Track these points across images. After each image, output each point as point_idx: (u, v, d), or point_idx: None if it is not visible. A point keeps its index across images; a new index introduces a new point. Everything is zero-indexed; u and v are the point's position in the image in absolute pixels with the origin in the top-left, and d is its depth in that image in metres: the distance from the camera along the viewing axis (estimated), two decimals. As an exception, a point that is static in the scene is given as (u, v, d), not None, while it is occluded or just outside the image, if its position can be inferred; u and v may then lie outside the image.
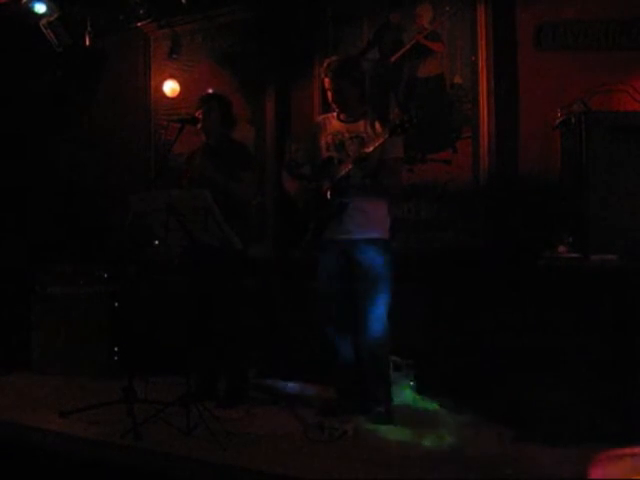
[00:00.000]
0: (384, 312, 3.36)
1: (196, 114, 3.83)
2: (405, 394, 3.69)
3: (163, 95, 5.13)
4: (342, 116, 3.49)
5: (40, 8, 4.70)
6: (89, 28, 4.94)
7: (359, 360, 3.49)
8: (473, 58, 4.06)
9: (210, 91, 3.95)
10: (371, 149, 3.16)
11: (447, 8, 4.14)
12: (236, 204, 3.67)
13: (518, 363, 3.25)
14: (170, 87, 5.07)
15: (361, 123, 3.42)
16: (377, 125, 3.38)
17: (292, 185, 3.57)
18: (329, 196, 3.29)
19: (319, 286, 3.57)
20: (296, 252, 3.71)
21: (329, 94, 3.46)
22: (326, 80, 3.43)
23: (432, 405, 3.60)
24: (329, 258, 3.47)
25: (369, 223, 3.38)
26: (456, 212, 4.08)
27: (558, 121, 3.44)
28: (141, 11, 4.98)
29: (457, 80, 4.13)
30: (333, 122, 3.52)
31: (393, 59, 4.32)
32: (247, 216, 3.85)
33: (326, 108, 4.53)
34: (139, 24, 5.11)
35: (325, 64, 3.45)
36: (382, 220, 3.44)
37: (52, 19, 4.74)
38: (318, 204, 3.36)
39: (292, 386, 4.06)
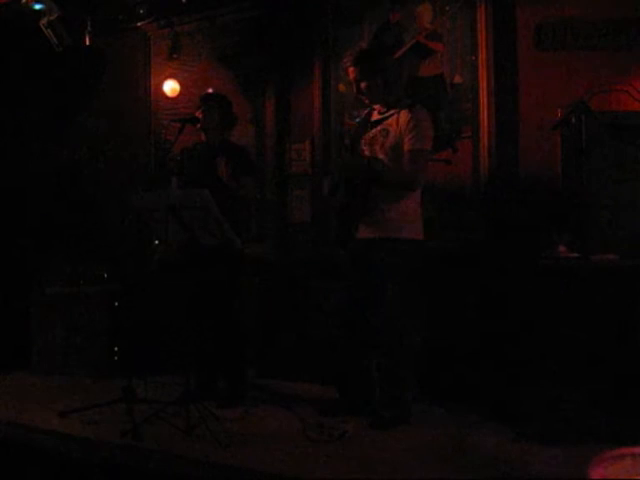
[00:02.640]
0: (406, 316, 3.29)
1: (196, 114, 3.83)
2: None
3: (163, 95, 5.13)
4: (380, 109, 3.43)
5: (38, 5, 4.69)
6: (89, 28, 4.94)
7: (369, 362, 3.47)
8: (473, 58, 4.06)
9: (210, 91, 3.95)
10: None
11: (447, 8, 4.14)
12: (236, 204, 3.68)
13: (518, 362, 3.25)
14: (170, 87, 5.07)
15: (393, 114, 3.33)
16: (403, 115, 3.28)
17: None
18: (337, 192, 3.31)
19: (340, 285, 3.53)
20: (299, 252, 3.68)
21: (354, 85, 3.40)
22: (349, 71, 3.39)
23: (432, 405, 3.59)
24: (351, 257, 3.43)
25: (394, 222, 3.29)
26: (456, 211, 4.08)
27: (558, 121, 3.45)
28: (141, 11, 4.98)
29: (457, 80, 4.13)
30: (374, 115, 3.47)
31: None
32: (247, 216, 3.85)
33: (326, 107, 4.56)
34: (139, 24, 5.11)
35: (347, 56, 3.41)
36: (409, 218, 3.33)
37: (52, 19, 4.74)
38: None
39: (292, 386, 4.06)
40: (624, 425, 2.79)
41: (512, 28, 3.96)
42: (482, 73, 4.02)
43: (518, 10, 3.95)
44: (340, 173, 3.41)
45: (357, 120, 3.56)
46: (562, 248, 3.22)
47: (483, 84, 4.02)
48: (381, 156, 3.30)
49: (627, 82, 3.50)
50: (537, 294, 3.21)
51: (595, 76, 3.60)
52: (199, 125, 3.82)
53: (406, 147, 3.25)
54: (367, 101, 3.45)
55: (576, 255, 3.14)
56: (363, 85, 3.35)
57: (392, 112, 3.33)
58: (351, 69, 3.37)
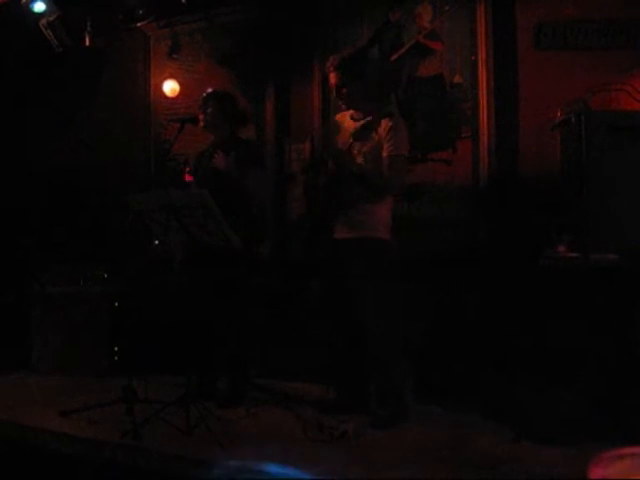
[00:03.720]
0: (388, 313, 3.32)
1: (199, 113, 3.81)
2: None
3: (163, 95, 5.13)
4: (355, 114, 3.45)
5: (39, 7, 4.69)
6: (89, 28, 4.94)
7: (361, 361, 3.49)
8: (473, 58, 4.06)
9: (209, 90, 3.94)
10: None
11: (447, 7, 4.15)
12: (245, 204, 3.68)
13: (518, 362, 3.24)
14: (170, 87, 5.08)
15: (371, 121, 3.30)
16: (383, 122, 3.30)
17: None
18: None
19: (321, 286, 3.55)
20: (298, 252, 3.69)
21: (334, 90, 3.42)
22: (330, 75, 3.40)
23: (432, 405, 3.59)
24: (330, 258, 3.45)
25: (369, 222, 3.34)
26: (456, 212, 4.08)
27: (558, 120, 3.45)
28: (141, 11, 4.98)
29: (457, 79, 4.13)
30: (348, 121, 3.47)
31: (393, 58, 4.32)
32: (254, 216, 3.84)
33: (326, 107, 4.56)
34: (139, 24, 5.11)
35: (329, 60, 3.44)
36: (383, 219, 3.39)
37: (52, 19, 4.74)
38: (316, 202, 3.36)
39: (292, 386, 4.06)
40: (624, 425, 2.79)
41: (512, 28, 3.96)
42: (482, 73, 4.02)
43: (518, 10, 3.96)
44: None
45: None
46: (562, 248, 3.21)
47: (483, 84, 4.02)
48: (359, 160, 3.31)
49: (627, 82, 3.50)
50: (537, 294, 3.21)
51: (595, 76, 3.60)
52: (201, 124, 3.80)
53: (386, 153, 3.27)
54: (344, 106, 3.46)
55: (576, 255, 3.14)
56: (343, 91, 3.37)
57: (369, 119, 3.30)
58: (332, 74, 3.38)
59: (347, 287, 3.38)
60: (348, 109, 3.47)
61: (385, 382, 3.38)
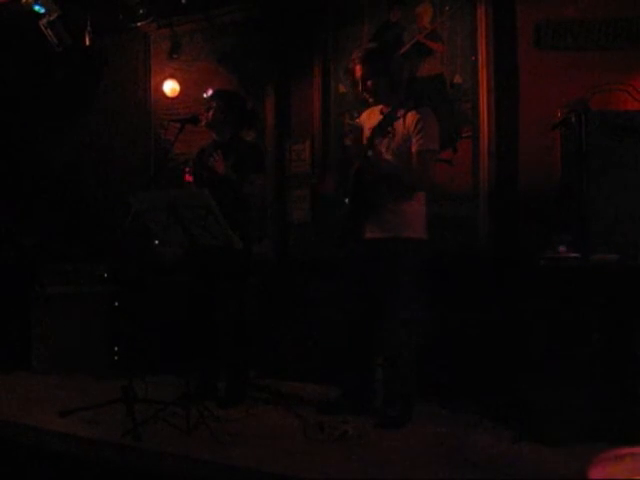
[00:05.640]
0: (410, 315, 3.29)
1: (203, 112, 3.81)
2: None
3: (163, 95, 5.13)
4: (383, 108, 3.40)
5: (40, 9, 4.69)
6: (89, 28, 4.94)
7: (369, 360, 3.48)
8: (473, 58, 4.06)
9: (209, 92, 3.93)
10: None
11: (447, 8, 4.14)
12: (242, 204, 3.68)
13: (518, 363, 3.25)
14: (170, 87, 5.08)
15: (399, 115, 3.27)
16: (410, 116, 3.26)
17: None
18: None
19: (344, 285, 3.52)
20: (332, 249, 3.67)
21: (359, 84, 3.38)
22: (356, 68, 3.37)
23: (432, 405, 3.59)
24: (356, 257, 3.42)
25: (398, 221, 3.29)
26: (456, 212, 4.08)
27: (558, 120, 3.45)
28: (141, 11, 4.98)
29: (457, 80, 4.13)
30: (376, 115, 3.42)
31: (393, 59, 4.31)
32: (252, 216, 3.84)
33: (326, 107, 4.56)
34: (139, 24, 5.10)
35: (354, 53, 3.41)
36: (414, 218, 3.34)
37: (52, 19, 4.74)
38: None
39: (292, 386, 4.06)
40: (624, 425, 2.79)
41: (512, 28, 3.96)
42: (482, 73, 4.02)
43: (518, 10, 3.95)
44: (349, 172, 3.38)
45: (356, 122, 3.56)
46: (562, 248, 3.21)
47: (483, 84, 4.02)
48: (388, 157, 3.29)
49: (627, 81, 3.50)
50: (537, 294, 3.21)
51: (595, 76, 3.60)
52: (203, 123, 3.80)
53: (415, 148, 3.25)
54: (371, 100, 3.43)
55: (576, 255, 3.14)
56: (369, 84, 3.34)
57: (398, 113, 3.26)
58: (358, 67, 3.35)
59: (373, 287, 3.36)
60: (375, 104, 3.44)
61: (397, 382, 3.37)
